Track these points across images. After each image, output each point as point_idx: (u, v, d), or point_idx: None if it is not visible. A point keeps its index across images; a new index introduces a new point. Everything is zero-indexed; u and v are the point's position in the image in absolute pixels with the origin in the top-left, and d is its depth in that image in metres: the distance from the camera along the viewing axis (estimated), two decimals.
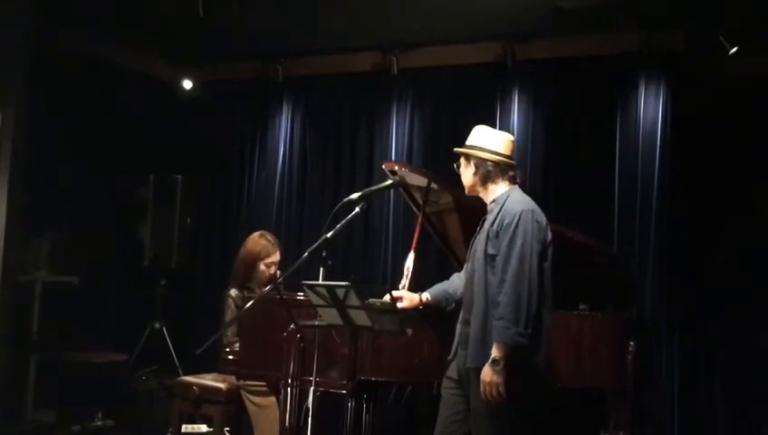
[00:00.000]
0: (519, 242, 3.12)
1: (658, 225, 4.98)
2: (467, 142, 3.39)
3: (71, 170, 5.66)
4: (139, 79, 6.23)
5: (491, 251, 3.19)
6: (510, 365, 3.06)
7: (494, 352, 3.07)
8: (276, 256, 4.52)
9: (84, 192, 5.75)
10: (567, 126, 5.34)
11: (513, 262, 3.10)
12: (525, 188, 3.40)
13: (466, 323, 3.29)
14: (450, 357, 3.40)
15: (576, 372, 3.89)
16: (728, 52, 4.82)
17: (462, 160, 3.39)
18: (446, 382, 3.40)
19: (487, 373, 3.08)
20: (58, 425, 5.37)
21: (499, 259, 3.14)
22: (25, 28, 5.09)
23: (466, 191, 3.43)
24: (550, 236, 3.25)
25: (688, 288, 5.00)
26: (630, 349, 4.05)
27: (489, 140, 3.35)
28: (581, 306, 4.11)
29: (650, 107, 5.10)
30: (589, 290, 4.13)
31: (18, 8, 5.05)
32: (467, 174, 3.37)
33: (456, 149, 3.41)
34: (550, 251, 3.24)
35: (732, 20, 4.78)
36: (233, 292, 4.46)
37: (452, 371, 3.37)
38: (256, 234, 4.62)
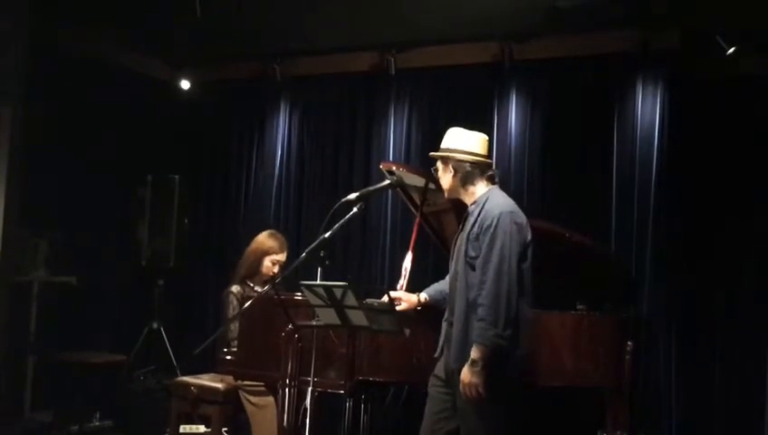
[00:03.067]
0: (498, 244, 3.13)
1: (656, 224, 4.98)
2: (442, 145, 3.38)
3: (68, 170, 5.66)
4: (137, 79, 6.22)
5: (471, 253, 3.21)
6: (490, 365, 3.08)
7: (473, 354, 3.09)
8: (283, 256, 4.56)
9: (82, 192, 5.75)
10: (564, 126, 5.33)
11: (493, 264, 3.12)
12: (507, 188, 3.40)
13: (451, 323, 3.31)
14: (436, 355, 3.43)
15: (574, 371, 3.90)
16: (726, 52, 4.83)
17: (439, 164, 3.39)
18: (432, 380, 3.42)
19: (466, 374, 3.11)
20: (56, 425, 5.37)
21: (479, 261, 3.16)
22: (25, 27, 5.09)
23: (446, 195, 3.43)
24: (529, 236, 3.26)
25: (686, 287, 5.00)
26: (628, 348, 4.06)
27: (465, 141, 3.34)
28: (579, 306, 4.12)
29: (648, 106, 5.10)
30: (586, 290, 4.14)
31: (18, 7, 5.05)
32: (446, 178, 3.37)
33: (432, 154, 3.41)
34: (529, 251, 3.25)
35: (729, 20, 4.79)
36: (234, 288, 4.49)
37: (439, 369, 3.40)
38: (267, 232, 4.71)
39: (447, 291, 3.55)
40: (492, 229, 3.15)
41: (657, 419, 4.89)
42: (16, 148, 5.09)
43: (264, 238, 4.62)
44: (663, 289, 4.93)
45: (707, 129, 5.05)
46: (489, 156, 3.39)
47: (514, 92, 5.45)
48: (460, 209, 3.67)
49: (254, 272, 4.55)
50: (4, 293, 5.08)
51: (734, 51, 4.82)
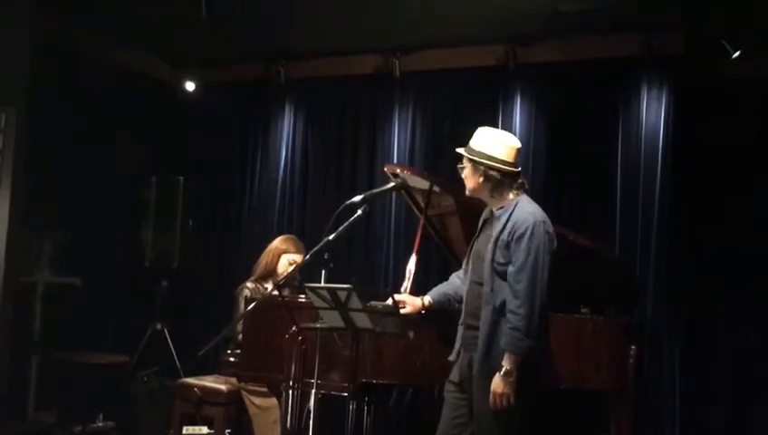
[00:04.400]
0: (533, 255, 3.13)
1: (660, 228, 4.98)
2: (474, 146, 3.31)
3: (73, 171, 5.66)
4: (141, 80, 6.23)
5: (500, 260, 3.19)
6: (520, 375, 3.09)
7: (507, 364, 3.09)
8: (300, 257, 4.56)
9: (86, 193, 5.75)
10: (569, 129, 5.34)
11: (527, 274, 3.11)
12: (528, 192, 3.40)
13: (469, 327, 3.31)
14: (452, 358, 3.41)
15: (577, 374, 3.89)
16: (730, 55, 4.83)
17: (467, 163, 3.33)
18: (448, 386, 3.41)
19: (499, 385, 3.10)
20: (59, 426, 5.37)
21: (512, 270, 3.15)
22: (27, 28, 5.10)
23: (468, 192, 3.39)
24: (555, 244, 3.26)
25: (690, 291, 5.00)
26: (631, 352, 4.05)
27: (498, 149, 3.27)
28: (583, 309, 4.11)
29: (652, 110, 5.10)
30: (590, 293, 4.14)
31: (20, 8, 5.06)
32: (474, 179, 3.31)
33: (462, 153, 3.34)
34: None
35: (733, 23, 4.79)
36: (249, 284, 4.52)
37: (454, 374, 3.39)
38: (284, 235, 4.81)
39: (451, 293, 3.55)
40: (526, 238, 3.14)
41: (660, 422, 4.89)
42: (20, 148, 5.10)
43: (282, 240, 4.71)
44: (666, 292, 4.93)
45: (711, 132, 5.05)
46: (518, 163, 3.33)
47: (519, 96, 5.45)
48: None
49: (271, 271, 4.58)
50: (9, 293, 5.08)
51: (740, 54, 4.82)
